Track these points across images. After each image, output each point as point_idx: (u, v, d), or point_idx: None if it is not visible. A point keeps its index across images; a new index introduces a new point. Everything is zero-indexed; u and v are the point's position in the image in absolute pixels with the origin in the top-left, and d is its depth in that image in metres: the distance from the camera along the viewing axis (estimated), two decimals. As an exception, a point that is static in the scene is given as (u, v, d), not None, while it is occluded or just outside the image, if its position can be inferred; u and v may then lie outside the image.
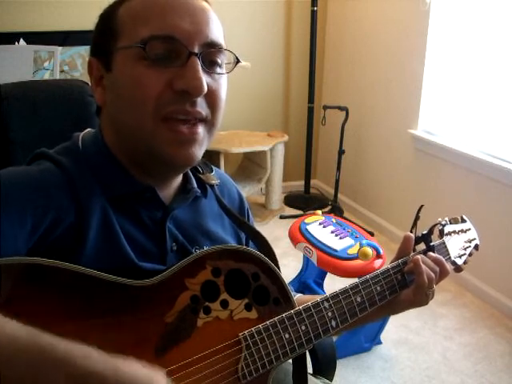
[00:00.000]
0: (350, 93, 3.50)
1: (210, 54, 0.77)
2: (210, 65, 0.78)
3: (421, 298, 0.94)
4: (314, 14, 3.43)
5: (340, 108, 3.26)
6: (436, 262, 0.96)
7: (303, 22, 3.55)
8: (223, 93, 0.80)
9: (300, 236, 2.22)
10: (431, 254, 0.98)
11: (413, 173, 3.01)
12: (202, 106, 0.77)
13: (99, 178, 0.79)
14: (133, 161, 0.81)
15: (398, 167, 3.14)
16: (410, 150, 3.00)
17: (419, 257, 0.94)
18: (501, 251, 2.41)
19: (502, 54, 2.46)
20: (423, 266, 0.93)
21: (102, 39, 0.80)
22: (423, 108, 2.89)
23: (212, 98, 0.78)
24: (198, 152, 0.79)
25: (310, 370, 1.14)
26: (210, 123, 0.79)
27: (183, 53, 0.75)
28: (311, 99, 3.60)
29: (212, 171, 0.96)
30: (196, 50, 0.75)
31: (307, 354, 0.90)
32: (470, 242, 1.10)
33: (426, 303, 0.95)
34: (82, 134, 0.85)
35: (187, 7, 0.75)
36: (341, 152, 3.30)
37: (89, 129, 0.87)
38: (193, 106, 0.75)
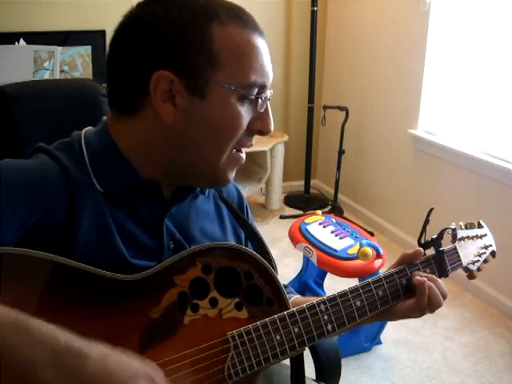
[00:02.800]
0: (350, 93, 3.50)
1: None
2: None
3: (416, 314, 0.92)
4: (314, 14, 3.43)
5: (340, 108, 3.26)
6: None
7: (303, 22, 3.54)
8: None
9: (300, 236, 2.22)
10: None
11: (413, 173, 3.01)
12: None
13: (99, 174, 0.79)
14: (160, 169, 0.82)
15: (398, 167, 3.14)
16: (410, 150, 3.00)
17: (425, 279, 0.90)
18: (501, 251, 2.40)
19: (502, 54, 2.46)
20: (427, 290, 0.89)
21: (189, 59, 0.75)
22: (423, 108, 2.89)
23: None
24: None
25: (313, 375, 1.13)
26: None
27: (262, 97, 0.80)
28: (311, 99, 3.59)
29: None
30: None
31: (310, 358, 0.89)
32: (485, 248, 1.07)
33: (420, 316, 0.93)
34: (83, 131, 0.85)
35: (267, 51, 0.82)
36: (341, 152, 3.30)
37: (89, 127, 0.87)
38: (252, 139, 0.84)
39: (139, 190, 0.81)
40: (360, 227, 2.45)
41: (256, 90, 0.79)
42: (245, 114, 0.79)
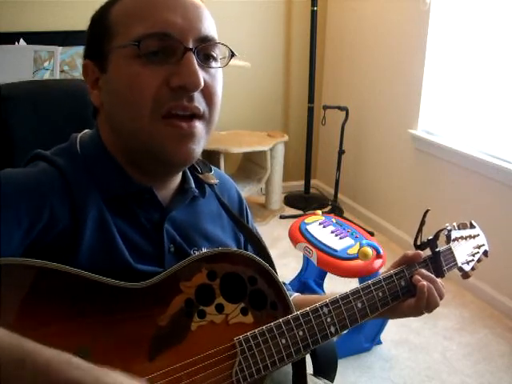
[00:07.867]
0: (350, 93, 3.50)
1: (205, 48, 0.78)
2: (205, 59, 0.78)
3: (414, 314, 0.95)
4: (314, 14, 3.43)
5: (340, 108, 3.26)
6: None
7: (303, 22, 3.54)
8: (219, 88, 0.81)
9: (300, 236, 2.22)
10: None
11: (413, 173, 3.01)
12: (199, 101, 0.77)
13: (96, 179, 0.79)
14: (131, 161, 0.81)
15: (398, 167, 3.14)
16: (410, 150, 3.00)
17: (425, 283, 0.92)
18: (501, 251, 2.41)
19: (502, 54, 2.46)
20: (426, 293, 0.92)
21: (96, 41, 0.79)
22: (423, 108, 2.89)
23: (208, 93, 0.78)
24: (197, 148, 0.79)
25: (310, 370, 1.13)
26: (207, 120, 0.80)
27: (178, 49, 0.75)
28: (311, 99, 3.59)
29: (211, 171, 0.95)
30: (190, 46, 0.75)
31: (308, 354, 0.90)
32: (478, 247, 1.09)
33: (418, 316, 0.96)
34: (79, 135, 0.85)
35: (179, 3, 0.76)
36: (341, 152, 3.30)
37: (86, 130, 0.87)
38: (190, 101, 0.76)
39: (136, 197, 0.81)
40: (360, 227, 2.45)
41: (155, 43, 0.74)
42: (148, 72, 0.74)
